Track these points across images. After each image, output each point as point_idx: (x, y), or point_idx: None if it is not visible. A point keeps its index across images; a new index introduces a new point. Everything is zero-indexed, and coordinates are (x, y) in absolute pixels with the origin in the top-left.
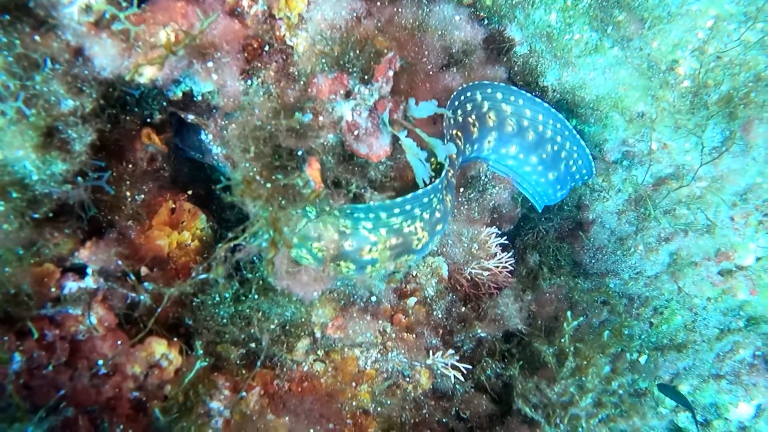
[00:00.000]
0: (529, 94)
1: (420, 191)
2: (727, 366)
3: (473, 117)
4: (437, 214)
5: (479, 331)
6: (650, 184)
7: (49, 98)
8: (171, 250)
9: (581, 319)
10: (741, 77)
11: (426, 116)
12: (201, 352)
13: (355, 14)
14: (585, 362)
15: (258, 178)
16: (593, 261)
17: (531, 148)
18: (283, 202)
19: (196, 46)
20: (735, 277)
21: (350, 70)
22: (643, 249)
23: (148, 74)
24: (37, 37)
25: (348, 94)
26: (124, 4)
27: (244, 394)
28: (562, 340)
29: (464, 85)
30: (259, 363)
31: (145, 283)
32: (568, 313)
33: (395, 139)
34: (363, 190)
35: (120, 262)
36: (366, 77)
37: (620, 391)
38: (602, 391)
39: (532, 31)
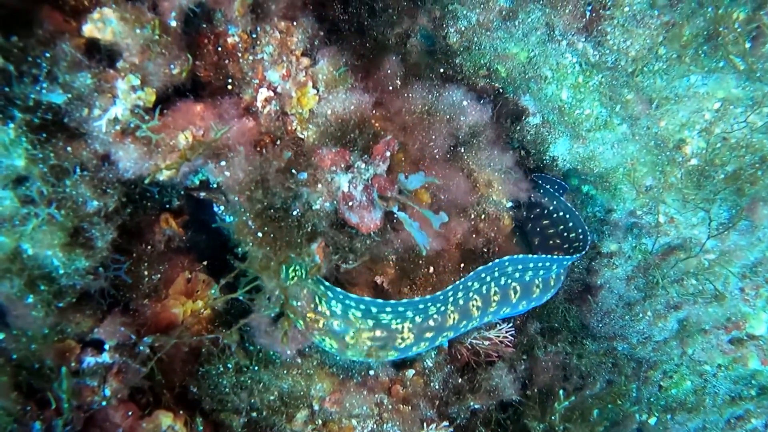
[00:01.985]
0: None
1: (418, 299)
2: None
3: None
4: (430, 322)
5: (472, 403)
6: (658, 254)
7: (76, 200)
8: (185, 317)
9: (573, 398)
10: (747, 158)
11: (418, 186)
12: (201, 428)
13: (362, 105)
14: None
15: (251, 224)
16: (601, 324)
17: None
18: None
19: (211, 148)
20: (746, 346)
21: (351, 148)
22: (651, 315)
23: (166, 173)
24: (69, 148)
25: (348, 168)
26: (147, 117)
27: None
28: (553, 418)
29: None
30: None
31: (145, 338)
32: (561, 392)
33: (390, 216)
34: (343, 261)
35: (123, 329)
36: (365, 156)
37: None
38: None
39: (544, 104)
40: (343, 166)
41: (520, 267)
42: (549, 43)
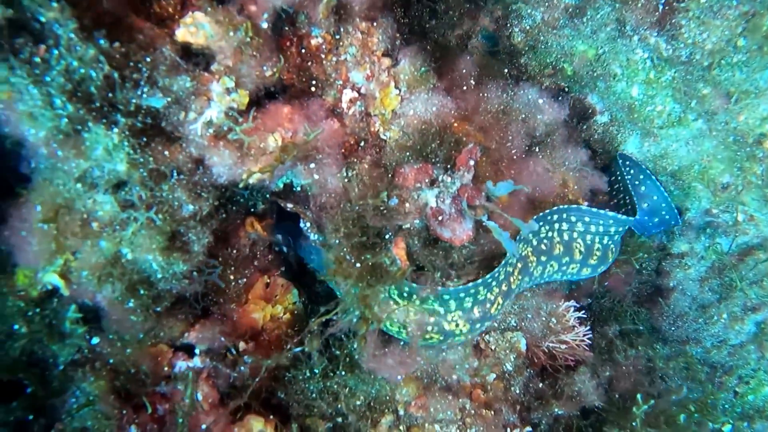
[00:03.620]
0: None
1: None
2: None
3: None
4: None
5: (556, 409)
6: (735, 254)
7: (173, 204)
8: (265, 322)
9: (651, 402)
10: None
11: (506, 194)
12: None
13: (444, 107)
14: None
15: (348, 257)
16: (673, 328)
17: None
18: (371, 279)
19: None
20: None
21: (433, 160)
22: (727, 318)
23: (258, 176)
24: (166, 152)
25: (432, 183)
26: (241, 119)
27: None
28: (634, 424)
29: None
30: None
31: (245, 357)
32: (639, 397)
33: (478, 224)
34: (446, 276)
35: (223, 339)
36: (448, 166)
37: None
38: None
39: (613, 101)
40: (427, 181)
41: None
42: (619, 39)
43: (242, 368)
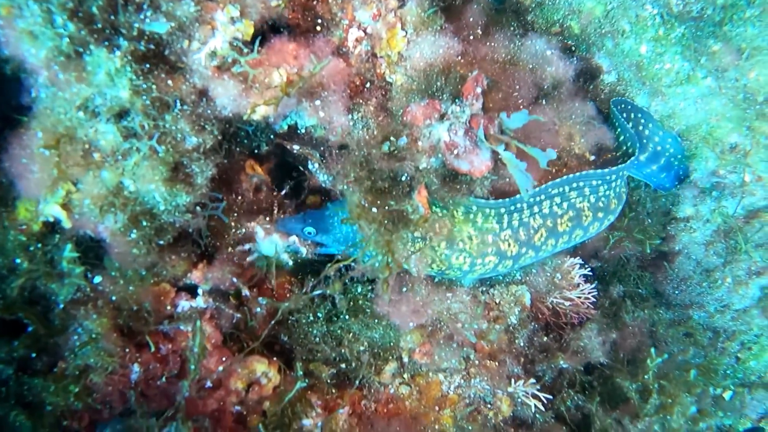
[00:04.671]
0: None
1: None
2: None
3: None
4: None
5: (562, 362)
6: (741, 216)
7: (176, 136)
8: (269, 271)
9: (665, 356)
10: None
11: (521, 126)
12: (301, 372)
13: (451, 50)
14: (670, 400)
15: (364, 202)
16: (677, 292)
17: None
18: (393, 226)
19: (306, 86)
20: None
21: (440, 96)
22: (731, 282)
23: (261, 112)
24: (170, 82)
25: (442, 117)
26: (246, 50)
27: (341, 411)
28: (646, 377)
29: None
30: (357, 383)
31: (260, 299)
32: (652, 350)
33: (495, 154)
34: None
35: (235, 280)
36: (456, 99)
37: None
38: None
39: (620, 60)
40: (437, 116)
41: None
42: None
43: (258, 310)
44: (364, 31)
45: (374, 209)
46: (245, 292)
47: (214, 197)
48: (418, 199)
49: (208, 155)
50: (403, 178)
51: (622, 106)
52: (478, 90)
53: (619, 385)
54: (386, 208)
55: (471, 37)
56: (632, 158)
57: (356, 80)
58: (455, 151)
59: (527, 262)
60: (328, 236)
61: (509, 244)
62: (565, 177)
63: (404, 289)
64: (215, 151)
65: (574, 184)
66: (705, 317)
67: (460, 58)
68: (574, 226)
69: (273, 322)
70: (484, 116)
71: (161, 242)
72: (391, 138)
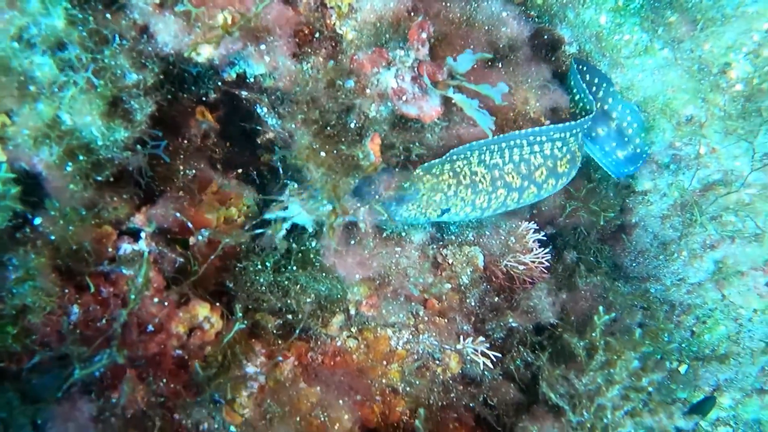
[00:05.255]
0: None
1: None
2: None
3: None
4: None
5: (511, 320)
6: (697, 190)
7: (115, 71)
8: (218, 224)
9: (613, 314)
10: None
11: (470, 68)
12: (240, 314)
13: (402, 6)
14: (615, 356)
15: (314, 145)
16: (634, 264)
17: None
18: (342, 170)
19: (250, 29)
20: None
21: (387, 46)
22: (687, 255)
23: (205, 54)
24: (108, 15)
25: (389, 64)
26: None
27: (280, 359)
28: (593, 334)
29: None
30: (297, 332)
31: (202, 230)
32: (601, 308)
33: (448, 101)
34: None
35: (178, 215)
36: (402, 44)
37: (650, 389)
38: (630, 386)
39: (581, 31)
40: (384, 63)
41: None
42: None
43: (200, 237)
44: None
45: (323, 153)
46: (189, 223)
47: (155, 136)
48: (370, 147)
49: (149, 92)
50: (353, 125)
51: (583, 67)
52: (423, 35)
53: (568, 342)
54: (336, 152)
55: None
56: (588, 116)
57: (305, 29)
58: (404, 97)
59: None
60: (402, 207)
61: (513, 177)
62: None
63: (352, 242)
64: (156, 89)
65: (534, 138)
66: (662, 290)
67: (411, 13)
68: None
69: (213, 256)
70: (430, 62)
71: (99, 178)
72: (338, 81)
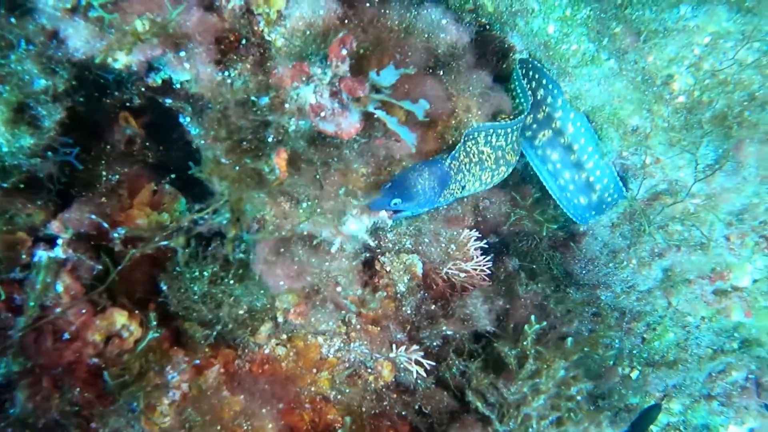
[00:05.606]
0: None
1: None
2: (719, 387)
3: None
4: None
5: (444, 328)
6: (645, 199)
7: (22, 76)
8: (150, 228)
9: (544, 323)
10: (735, 96)
11: (394, 81)
12: (155, 323)
13: (333, 13)
14: (545, 365)
15: (224, 159)
16: (584, 272)
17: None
18: (247, 184)
19: (169, 35)
20: (730, 297)
21: (312, 59)
22: (636, 263)
23: (123, 60)
24: (12, 19)
25: (309, 79)
26: None
27: (197, 361)
28: (525, 343)
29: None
30: (213, 336)
31: (119, 228)
32: (533, 317)
33: (370, 115)
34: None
35: (94, 216)
36: (321, 61)
37: (578, 397)
38: (557, 395)
39: (531, 39)
40: (304, 78)
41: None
42: None
43: (115, 235)
44: None
45: (227, 167)
46: (104, 224)
47: (66, 143)
48: (276, 161)
49: (59, 98)
50: (270, 140)
51: (528, 66)
52: (343, 52)
53: (500, 351)
54: (240, 166)
55: (367, 5)
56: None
57: (230, 36)
58: (322, 113)
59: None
60: (412, 202)
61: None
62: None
63: (281, 250)
64: (68, 95)
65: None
66: (612, 297)
67: (346, 21)
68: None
69: (120, 267)
70: (353, 78)
71: (5, 185)
72: (252, 97)
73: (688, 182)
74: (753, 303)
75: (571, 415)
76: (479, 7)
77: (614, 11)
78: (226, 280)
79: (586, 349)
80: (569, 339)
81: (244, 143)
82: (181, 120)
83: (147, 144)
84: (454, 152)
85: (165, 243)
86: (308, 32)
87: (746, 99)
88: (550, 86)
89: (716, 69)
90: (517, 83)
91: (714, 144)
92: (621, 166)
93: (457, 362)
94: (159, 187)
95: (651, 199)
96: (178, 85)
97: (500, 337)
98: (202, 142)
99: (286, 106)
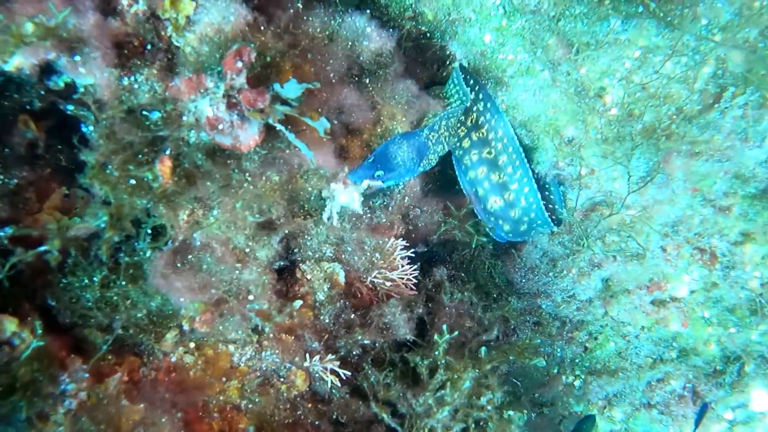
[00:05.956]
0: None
1: None
2: (659, 396)
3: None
4: None
5: (360, 337)
6: (582, 209)
7: None
8: (61, 234)
9: (455, 333)
10: (664, 109)
11: (299, 94)
12: (40, 331)
13: (242, 20)
14: (455, 376)
15: (109, 168)
16: (525, 281)
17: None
18: (130, 191)
19: (62, 39)
20: (668, 307)
21: (210, 71)
22: (575, 273)
23: (14, 62)
24: None
25: (206, 92)
26: None
27: (85, 375)
28: (436, 353)
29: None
30: (110, 340)
31: (6, 227)
32: (444, 327)
33: (270, 128)
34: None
35: None
36: (217, 73)
37: (488, 407)
38: (465, 405)
39: (469, 48)
40: (202, 91)
41: None
42: None
43: (1, 234)
44: None
45: (109, 172)
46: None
47: None
48: (159, 168)
49: None
50: (167, 152)
51: (467, 75)
52: (239, 64)
53: (412, 361)
54: (122, 173)
55: (291, 11)
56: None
57: (134, 41)
58: (219, 126)
59: None
60: (394, 173)
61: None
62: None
63: (183, 261)
64: None
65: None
66: (552, 307)
67: (262, 28)
68: None
69: (3, 273)
70: (252, 90)
71: None
72: (143, 111)
73: (623, 194)
74: (690, 313)
75: (480, 426)
76: (419, 15)
77: (548, 23)
78: (118, 282)
79: (511, 357)
80: (483, 349)
81: (140, 156)
82: (83, 129)
83: (59, 147)
84: (432, 124)
85: (43, 248)
86: (217, 39)
87: (674, 112)
88: (488, 105)
89: (646, 82)
90: (456, 84)
91: (645, 156)
92: (557, 176)
93: (370, 372)
94: (71, 191)
95: (589, 210)
96: (82, 89)
97: (420, 346)
98: (91, 158)
99: (184, 118)
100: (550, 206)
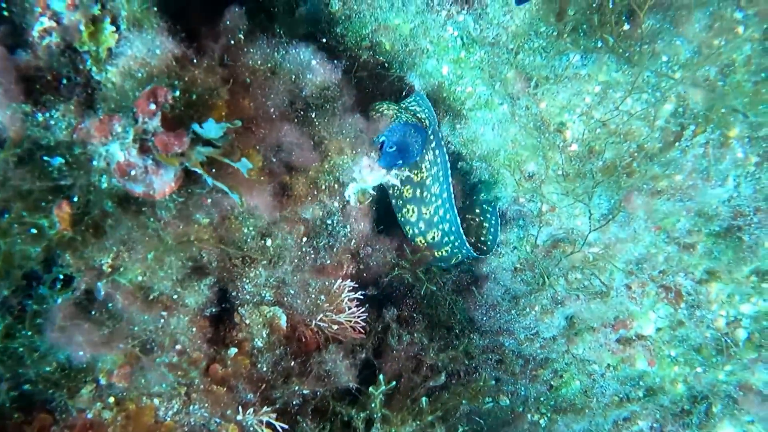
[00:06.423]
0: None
1: None
2: None
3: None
4: None
5: (297, 387)
6: (544, 246)
7: None
8: None
9: (393, 384)
10: (624, 146)
11: (221, 134)
12: None
13: (169, 54)
14: (393, 430)
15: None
16: (486, 318)
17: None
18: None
19: None
20: (634, 346)
21: (122, 113)
22: (538, 310)
23: None
24: None
25: (116, 136)
26: None
27: None
28: (372, 405)
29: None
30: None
31: None
32: (381, 377)
33: (189, 172)
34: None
35: None
36: (128, 117)
37: None
38: None
39: (427, 80)
40: (114, 134)
41: None
42: (428, 13)
43: None
44: (58, 21)
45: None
46: None
47: None
48: (57, 213)
49: None
50: (75, 200)
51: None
52: (152, 107)
53: (342, 412)
54: (16, 218)
55: (232, 42)
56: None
57: (47, 75)
58: (132, 172)
59: None
60: (409, 160)
61: None
62: None
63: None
64: None
65: None
66: (515, 344)
67: (194, 59)
68: None
69: None
70: (169, 133)
71: None
72: (44, 157)
73: (585, 231)
74: (657, 352)
75: None
76: (376, 45)
77: (506, 56)
78: (23, 331)
79: (464, 401)
80: (423, 399)
81: (43, 204)
82: None
83: None
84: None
85: None
86: (140, 74)
87: (635, 150)
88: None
89: (606, 119)
90: (419, 101)
91: (606, 194)
92: (518, 212)
93: (306, 426)
94: None
95: (551, 247)
96: None
97: (365, 394)
98: None
99: (95, 163)
100: (482, 231)
